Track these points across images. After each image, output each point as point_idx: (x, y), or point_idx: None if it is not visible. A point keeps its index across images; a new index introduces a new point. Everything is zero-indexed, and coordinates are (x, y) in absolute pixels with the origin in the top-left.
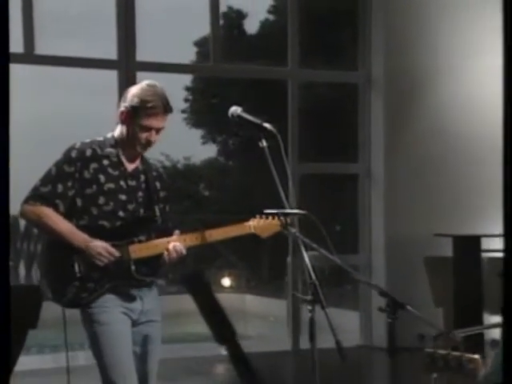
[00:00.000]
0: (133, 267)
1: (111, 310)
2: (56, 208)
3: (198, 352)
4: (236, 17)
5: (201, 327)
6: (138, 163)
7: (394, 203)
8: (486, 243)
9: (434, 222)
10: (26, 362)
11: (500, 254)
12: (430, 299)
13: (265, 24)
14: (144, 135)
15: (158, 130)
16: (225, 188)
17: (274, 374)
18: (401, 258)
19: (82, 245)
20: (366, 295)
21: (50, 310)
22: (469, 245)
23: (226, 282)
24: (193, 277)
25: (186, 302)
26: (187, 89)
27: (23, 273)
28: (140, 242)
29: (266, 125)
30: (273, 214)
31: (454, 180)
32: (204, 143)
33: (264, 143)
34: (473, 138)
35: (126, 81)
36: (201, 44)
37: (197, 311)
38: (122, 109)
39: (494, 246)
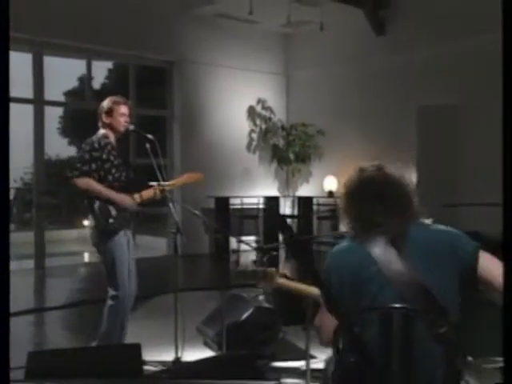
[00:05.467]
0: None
1: (122, 237)
2: (94, 178)
3: (71, 261)
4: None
5: (70, 248)
6: (117, 146)
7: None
8: (232, 200)
9: (208, 189)
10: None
11: (238, 206)
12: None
13: (104, 84)
14: (122, 119)
15: (127, 115)
16: None
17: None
18: (188, 211)
19: (113, 197)
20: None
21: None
22: (222, 202)
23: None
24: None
25: (55, 235)
26: (61, 117)
27: None
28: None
29: (149, 136)
30: (158, 185)
31: (218, 165)
32: (69, 145)
33: (148, 146)
34: (228, 144)
35: (39, 112)
36: (77, 90)
37: (65, 239)
38: (105, 112)
39: (235, 202)
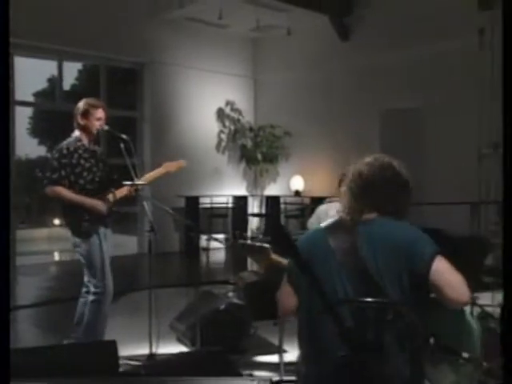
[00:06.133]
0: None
1: (95, 238)
2: (64, 185)
3: (39, 260)
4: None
5: (40, 247)
6: (92, 148)
7: (158, 180)
8: (201, 200)
9: (178, 188)
10: None
11: (207, 205)
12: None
13: (74, 85)
14: (98, 122)
15: (103, 119)
16: None
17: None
18: (160, 209)
19: (84, 204)
20: (143, 227)
21: None
22: (192, 201)
23: None
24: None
25: (25, 234)
26: (30, 117)
27: None
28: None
29: (123, 136)
30: (129, 185)
31: (188, 165)
32: (39, 145)
33: (122, 145)
34: (197, 144)
35: (10, 112)
36: (47, 91)
37: (36, 238)
38: (81, 113)
39: (205, 201)
